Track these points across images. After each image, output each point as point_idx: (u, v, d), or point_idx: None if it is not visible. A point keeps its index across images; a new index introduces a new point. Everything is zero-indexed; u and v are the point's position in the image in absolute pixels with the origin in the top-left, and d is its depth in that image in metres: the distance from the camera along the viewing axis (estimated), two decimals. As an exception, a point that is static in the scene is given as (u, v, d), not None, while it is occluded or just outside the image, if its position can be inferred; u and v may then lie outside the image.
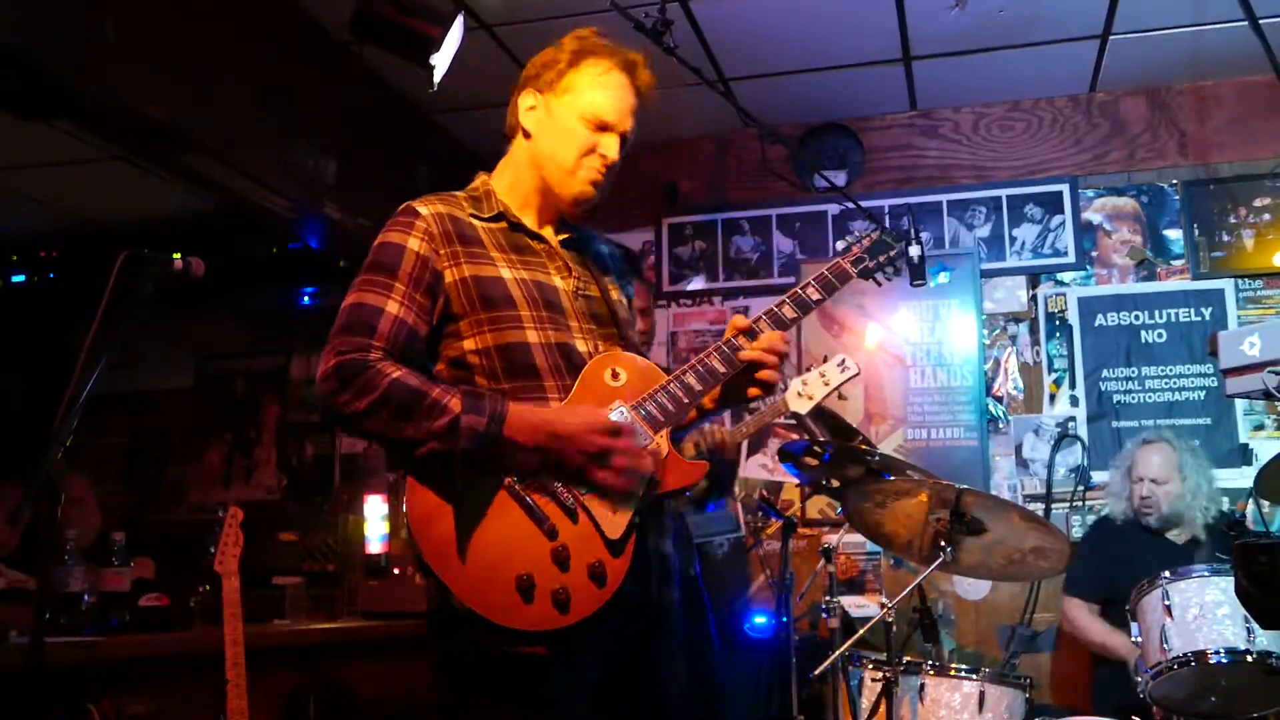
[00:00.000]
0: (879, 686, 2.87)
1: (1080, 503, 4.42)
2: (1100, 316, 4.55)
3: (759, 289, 4.94)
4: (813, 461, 3.12)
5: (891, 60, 4.46)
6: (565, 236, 1.98)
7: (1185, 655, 2.89)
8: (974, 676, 3.02)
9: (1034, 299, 4.66)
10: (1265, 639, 2.82)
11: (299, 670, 3.53)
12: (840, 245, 2.04)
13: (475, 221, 1.89)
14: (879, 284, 2.04)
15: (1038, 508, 4.35)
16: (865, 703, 3.02)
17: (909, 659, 3.05)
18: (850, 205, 4.50)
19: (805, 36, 4.24)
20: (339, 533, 5.43)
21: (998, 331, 4.68)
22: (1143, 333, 4.49)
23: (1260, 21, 3.05)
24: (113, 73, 3.16)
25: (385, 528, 4.98)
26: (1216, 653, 2.86)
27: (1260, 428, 4.32)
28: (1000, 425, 4.60)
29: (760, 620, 4.40)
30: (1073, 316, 4.58)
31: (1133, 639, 3.14)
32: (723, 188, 5.10)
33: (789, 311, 1.90)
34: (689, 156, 5.12)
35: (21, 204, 5.27)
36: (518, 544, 1.70)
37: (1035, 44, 4.30)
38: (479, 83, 3.79)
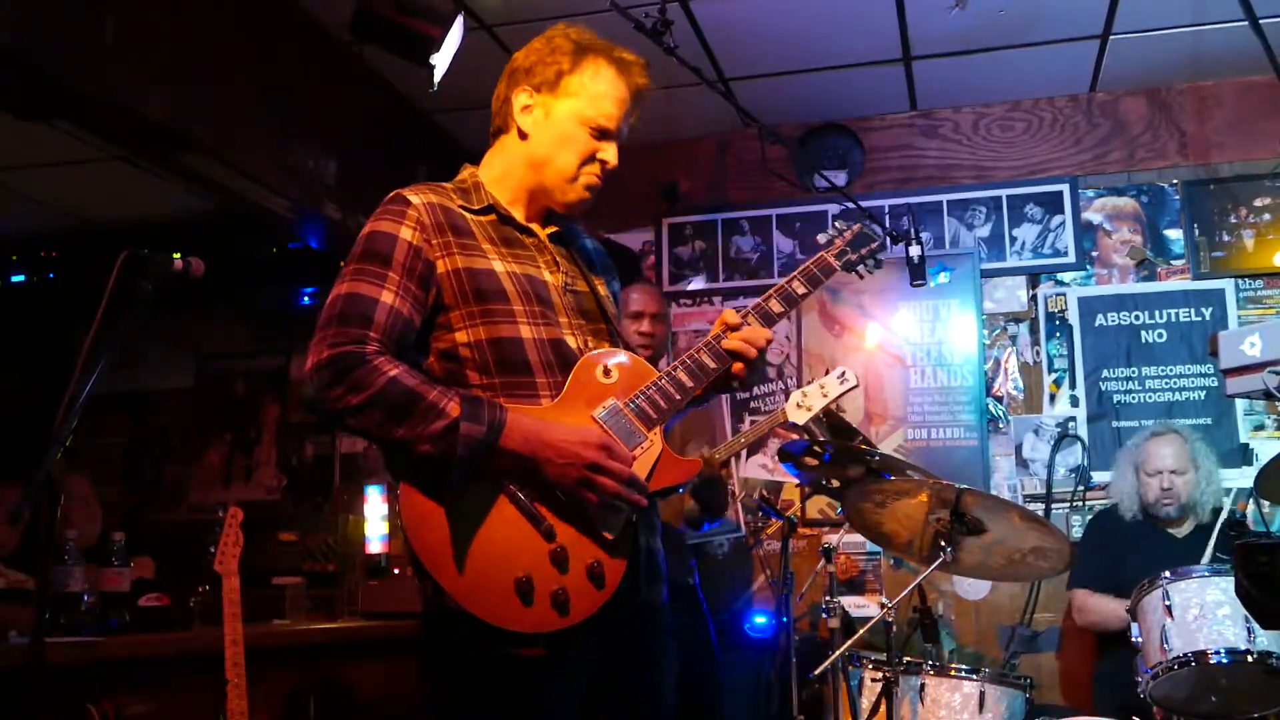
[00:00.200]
0: (879, 687, 2.87)
1: (1080, 503, 4.41)
2: (1100, 316, 4.55)
3: (759, 289, 4.78)
4: (813, 462, 3.11)
5: (891, 60, 4.46)
6: (553, 230, 1.96)
7: (1186, 655, 2.89)
8: (974, 677, 3.03)
9: (1034, 299, 4.65)
10: (1266, 639, 2.82)
11: (299, 670, 3.52)
12: (823, 239, 2.06)
13: (465, 213, 1.86)
14: (861, 276, 2.08)
15: (1038, 508, 4.35)
16: (865, 703, 3.02)
17: (909, 659, 3.06)
18: (850, 205, 4.49)
19: (805, 36, 4.24)
20: (339, 533, 5.42)
21: (998, 331, 4.68)
22: (1143, 333, 4.49)
23: (1260, 21, 3.05)
24: (113, 73, 3.16)
25: (385, 528, 4.97)
26: (1217, 653, 2.86)
27: (1260, 428, 4.32)
28: (1000, 425, 4.60)
29: (760, 620, 4.40)
30: (1073, 316, 4.58)
31: (1133, 639, 3.13)
32: (723, 188, 5.09)
33: (776, 306, 1.92)
34: (689, 156, 5.12)
35: (21, 204, 5.28)
36: (515, 545, 1.68)
37: (1035, 44, 4.30)
38: (479, 83, 3.72)
